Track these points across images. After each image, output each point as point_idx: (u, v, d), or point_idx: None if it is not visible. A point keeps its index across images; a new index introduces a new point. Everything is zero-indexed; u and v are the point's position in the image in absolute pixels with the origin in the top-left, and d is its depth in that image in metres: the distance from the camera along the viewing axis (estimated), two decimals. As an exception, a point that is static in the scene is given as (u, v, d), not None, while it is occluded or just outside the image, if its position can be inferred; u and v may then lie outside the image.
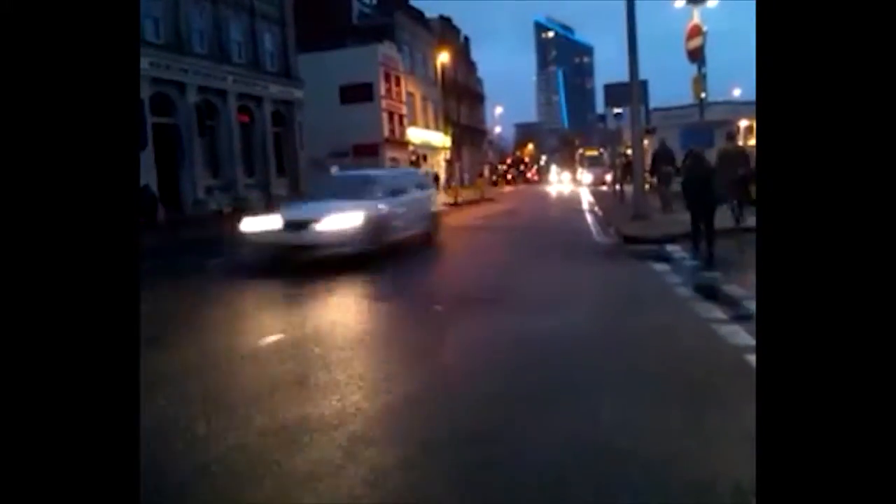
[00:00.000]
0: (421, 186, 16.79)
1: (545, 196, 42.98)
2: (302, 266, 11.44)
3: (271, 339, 6.98)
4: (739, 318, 6.43)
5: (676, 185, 15.66)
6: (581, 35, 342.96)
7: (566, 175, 74.41)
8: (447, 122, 67.04)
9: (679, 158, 16.70)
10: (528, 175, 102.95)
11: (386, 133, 53.80)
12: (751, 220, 13.73)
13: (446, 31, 72.18)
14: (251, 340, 7.08)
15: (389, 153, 53.41)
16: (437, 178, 59.49)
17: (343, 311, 8.76)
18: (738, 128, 33.26)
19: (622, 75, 20.07)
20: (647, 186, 20.05)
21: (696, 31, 17.55)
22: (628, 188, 22.80)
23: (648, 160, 21.11)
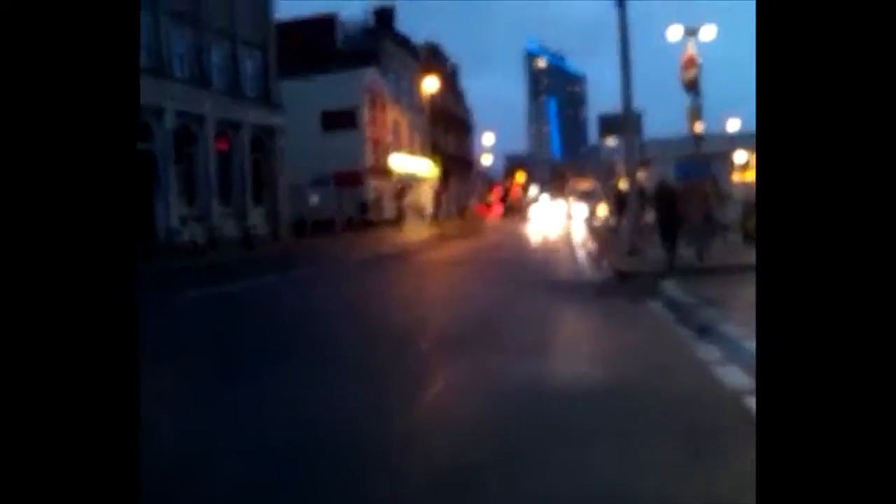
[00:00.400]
0: None
1: (535, 230, 42.50)
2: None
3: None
4: (736, 359, 6.34)
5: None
6: (573, 64, 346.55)
7: (557, 205, 71.68)
8: (434, 151, 66.46)
9: None
10: (516, 207, 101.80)
11: (370, 161, 52.90)
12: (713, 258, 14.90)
13: (434, 58, 71.87)
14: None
15: (373, 182, 52.61)
16: (423, 210, 58.98)
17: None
18: (732, 164, 32.83)
19: (615, 105, 19.47)
20: None
21: (691, 63, 17.65)
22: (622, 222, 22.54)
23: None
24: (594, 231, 31.16)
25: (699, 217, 15.44)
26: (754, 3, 1.96)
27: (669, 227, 15.27)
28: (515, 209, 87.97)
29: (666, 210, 15.36)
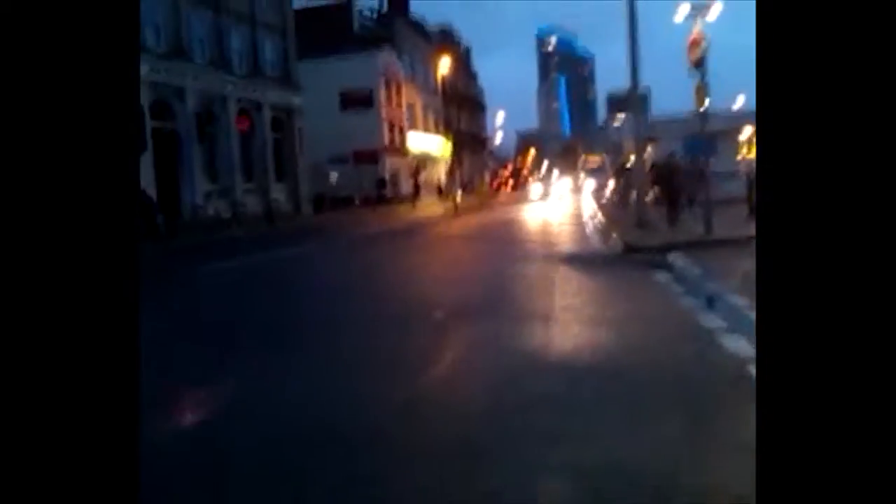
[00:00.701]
0: None
1: (545, 205, 42.76)
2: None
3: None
4: (741, 328, 6.33)
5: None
6: (583, 44, 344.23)
7: (563, 184, 70.99)
8: (447, 130, 67.09)
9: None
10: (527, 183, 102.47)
11: (386, 140, 53.84)
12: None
13: (447, 39, 72.29)
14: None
15: (390, 160, 53.46)
16: (439, 187, 59.71)
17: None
18: (739, 140, 33.16)
19: (624, 83, 20.06)
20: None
21: (697, 42, 17.60)
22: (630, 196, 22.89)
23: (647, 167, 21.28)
24: (603, 205, 31.30)
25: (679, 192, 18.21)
26: None
27: (669, 199, 18.09)
28: (526, 185, 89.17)
29: (664, 184, 18.34)
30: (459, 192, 42.57)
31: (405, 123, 58.29)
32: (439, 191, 57.91)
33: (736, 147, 31.79)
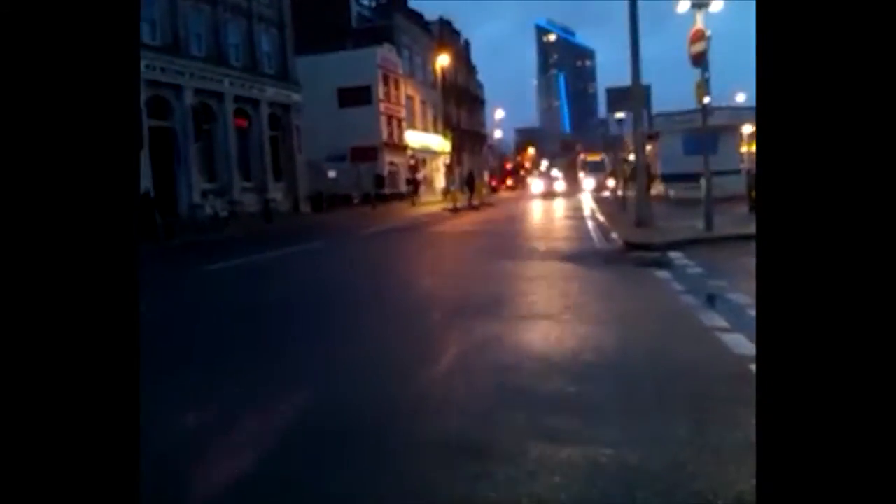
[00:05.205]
0: None
1: (546, 202, 42.66)
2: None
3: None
4: (742, 326, 6.34)
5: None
6: (583, 38, 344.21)
7: (563, 181, 70.54)
8: (447, 125, 66.91)
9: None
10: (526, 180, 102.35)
11: (384, 136, 53.71)
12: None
13: (446, 34, 72.10)
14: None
15: (388, 157, 53.29)
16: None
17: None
18: (742, 135, 33.01)
19: (624, 79, 19.79)
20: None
21: (699, 36, 17.52)
22: (629, 193, 22.81)
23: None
24: (603, 203, 31.29)
25: None
26: None
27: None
28: (525, 182, 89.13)
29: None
30: (459, 190, 42.29)
31: (404, 119, 58.14)
32: (437, 187, 57.82)
33: (738, 142, 31.67)
